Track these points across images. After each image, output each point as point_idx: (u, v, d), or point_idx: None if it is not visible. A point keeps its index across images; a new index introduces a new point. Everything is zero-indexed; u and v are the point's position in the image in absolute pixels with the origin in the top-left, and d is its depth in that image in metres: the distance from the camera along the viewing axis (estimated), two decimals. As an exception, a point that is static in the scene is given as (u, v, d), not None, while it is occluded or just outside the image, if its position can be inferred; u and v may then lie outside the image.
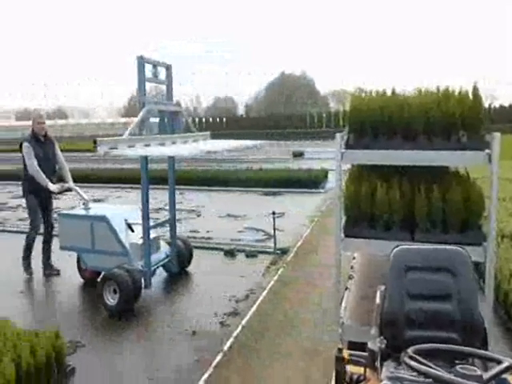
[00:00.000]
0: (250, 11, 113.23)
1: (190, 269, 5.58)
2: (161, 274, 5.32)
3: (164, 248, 5.24)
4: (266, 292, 4.76)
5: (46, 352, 3.16)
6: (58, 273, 5.54)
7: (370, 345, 1.88)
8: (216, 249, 6.46)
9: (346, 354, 1.89)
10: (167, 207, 5.68)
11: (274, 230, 6.33)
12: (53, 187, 5.25)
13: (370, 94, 3.38)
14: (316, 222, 7.92)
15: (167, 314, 4.36)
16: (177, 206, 5.55)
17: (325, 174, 12.98)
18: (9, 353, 3.02)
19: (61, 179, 5.61)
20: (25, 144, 5.27)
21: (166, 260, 5.18)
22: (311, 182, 11.75)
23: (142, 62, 4.50)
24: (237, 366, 3.35)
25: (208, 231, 7.52)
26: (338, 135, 3.11)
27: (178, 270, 5.36)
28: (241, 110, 76.58)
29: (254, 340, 3.75)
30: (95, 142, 3.87)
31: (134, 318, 4.26)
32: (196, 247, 6.53)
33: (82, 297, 5.00)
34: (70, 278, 5.35)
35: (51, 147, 5.49)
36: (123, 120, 54.71)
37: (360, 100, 3.31)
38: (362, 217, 3.16)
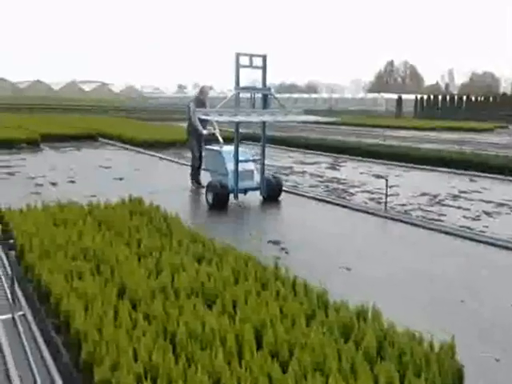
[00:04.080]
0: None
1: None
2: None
3: (257, 179, 7.49)
4: None
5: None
6: (201, 186, 8.29)
7: None
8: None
9: None
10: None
11: None
12: (204, 132, 8.38)
13: None
14: None
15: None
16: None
17: None
18: (424, 372, 2.27)
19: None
20: (191, 104, 8.44)
21: (256, 187, 7.43)
22: None
23: (237, 55, 6.71)
24: None
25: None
26: None
27: (266, 196, 7.44)
28: (504, 89, 65.24)
29: None
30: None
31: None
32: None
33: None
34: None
35: (205, 108, 8.22)
36: (371, 95, 52.86)
37: None
38: None
